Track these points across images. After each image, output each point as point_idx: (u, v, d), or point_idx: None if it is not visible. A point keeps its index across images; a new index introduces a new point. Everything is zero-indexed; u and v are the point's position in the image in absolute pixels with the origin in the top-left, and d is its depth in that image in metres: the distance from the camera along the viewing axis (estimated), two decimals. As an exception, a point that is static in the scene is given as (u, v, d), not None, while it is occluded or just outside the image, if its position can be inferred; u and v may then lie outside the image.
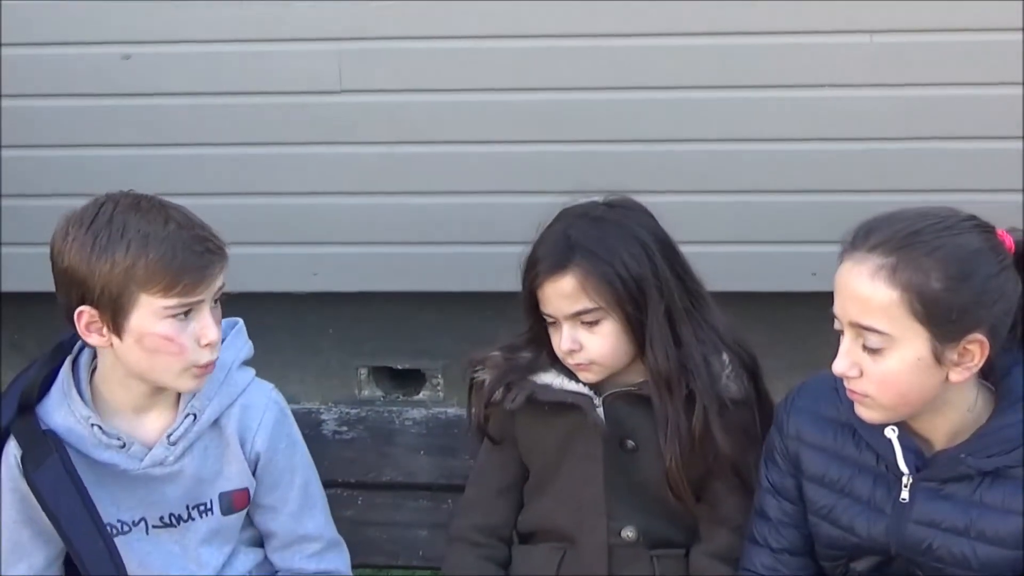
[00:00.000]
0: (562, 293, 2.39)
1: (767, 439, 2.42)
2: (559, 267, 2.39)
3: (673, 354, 2.41)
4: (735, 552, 2.45)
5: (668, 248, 2.46)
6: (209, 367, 2.37)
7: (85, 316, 2.31)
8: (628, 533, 2.50)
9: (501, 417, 2.55)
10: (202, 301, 2.32)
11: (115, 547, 2.36)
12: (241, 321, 2.54)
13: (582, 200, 2.49)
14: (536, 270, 2.42)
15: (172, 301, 2.29)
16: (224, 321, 2.50)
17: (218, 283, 2.34)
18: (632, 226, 2.43)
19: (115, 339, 2.32)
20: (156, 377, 2.37)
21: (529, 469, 2.59)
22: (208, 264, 2.31)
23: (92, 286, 2.28)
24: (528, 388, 2.49)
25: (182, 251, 2.28)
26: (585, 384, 2.48)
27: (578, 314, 2.40)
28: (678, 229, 2.54)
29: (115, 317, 2.30)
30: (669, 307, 2.42)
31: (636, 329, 2.40)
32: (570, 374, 2.49)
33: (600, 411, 2.47)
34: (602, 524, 2.49)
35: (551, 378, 2.49)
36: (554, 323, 2.45)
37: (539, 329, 2.48)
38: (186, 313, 2.31)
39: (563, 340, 2.42)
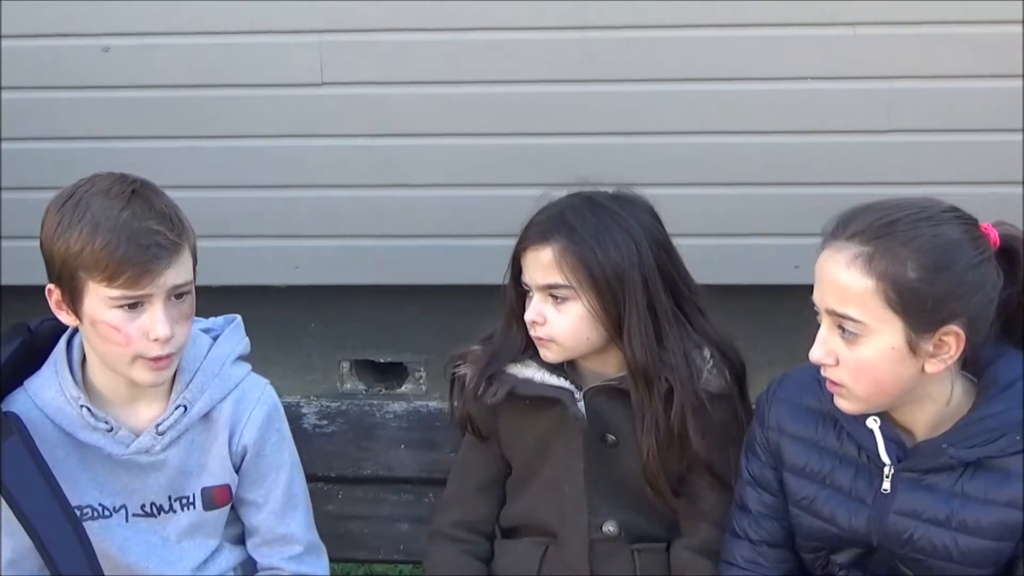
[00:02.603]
0: (539, 263, 2.42)
1: (748, 431, 2.42)
2: (542, 238, 2.42)
3: (652, 349, 2.41)
4: (716, 546, 2.45)
5: (661, 247, 2.46)
6: (163, 361, 2.32)
7: (55, 294, 2.33)
8: (609, 528, 2.49)
9: (483, 412, 2.54)
10: (151, 295, 2.27)
11: (85, 533, 2.32)
12: (239, 317, 2.53)
13: (585, 188, 2.51)
14: (524, 235, 2.45)
15: (116, 292, 2.26)
16: (222, 317, 2.51)
17: (169, 278, 2.28)
18: (627, 219, 2.43)
19: (77, 320, 2.33)
20: (112, 365, 2.35)
21: (511, 464, 2.58)
22: (152, 259, 2.25)
23: (55, 265, 2.30)
24: (509, 382, 2.48)
25: (126, 242, 2.24)
26: (566, 378, 2.48)
27: (549, 287, 2.42)
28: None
29: (72, 298, 2.30)
30: (653, 304, 2.42)
31: (610, 319, 2.41)
32: (551, 368, 2.48)
33: (581, 405, 2.47)
34: (583, 519, 2.48)
35: (532, 372, 2.49)
36: (529, 294, 2.46)
37: (518, 304, 2.48)
38: (134, 305, 2.28)
39: (529, 310, 2.43)
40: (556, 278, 2.41)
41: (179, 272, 2.29)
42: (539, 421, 2.50)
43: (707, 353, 2.45)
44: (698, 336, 2.46)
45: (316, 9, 3.47)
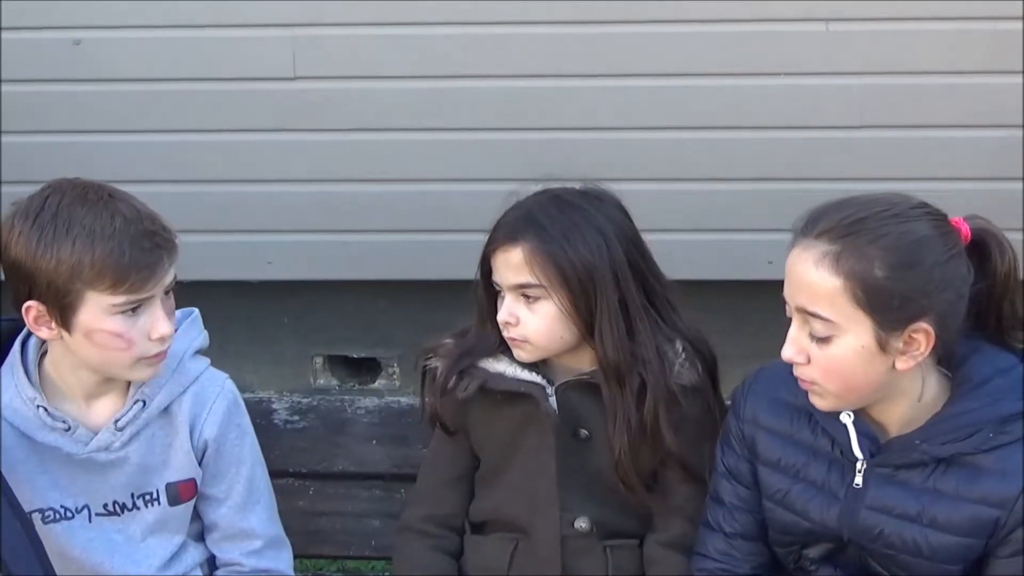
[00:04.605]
0: (509, 264, 2.41)
1: (724, 424, 2.42)
2: (511, 238, 2.41)
3: (624, 345, 2.40)
4: (689, 541, 2.44)
5: (631, 242, 2.45)
6: (161, 356, 2.34)
7: (33, 311, 2.28)
8: (581, 524, 2.48)
9: (454, 407, 2.53)
10: (152, 296, 2.28)
11: (36, 533, 2.29)
12: (196, 311, 2.52)
13: (555, 184, 2.50)
14: (493, 236, 2.44)
15: (120, 299, 2.25)
16: (179, 311, 2.47)
17: (168, 277, 2.30)
18: (596, 215, 2.42)
19: (64, 333, 2.30)
20: (108, 370, 2.35)
21: (480, 458, 2.57)
22: (157, 260, 2.26)
23: (38, 282, 2.25)
24: (480, 377, 2.47)
25: (130, 248, 2.23)
26: (538, 373, 2.47)
27: (520, 287, 2.41)
28: (634, 217, 2.53)
29: (62, 313, 2.27)
30: (624, 300, 2.41)
31: (582, 316, 2.40)
32: (523, 363, 2.47)
33: (553, 400, 2.46)
34: (555, 515, 2.47)
35: (504, 367, 2.48)
36: (501, 295, 2.45)
37: (490, 305, 2.48)
38: (135, 308, 2.28)
39: (502, 311, 2.43)
40: (527, 278, 2.40)
41: (174, 268, 2.30)
42: (510, 416, 2.49)
43: (679, 346, 2.45)
44: (669, 330, 2.45)
45: (289, 4, 3.46)
